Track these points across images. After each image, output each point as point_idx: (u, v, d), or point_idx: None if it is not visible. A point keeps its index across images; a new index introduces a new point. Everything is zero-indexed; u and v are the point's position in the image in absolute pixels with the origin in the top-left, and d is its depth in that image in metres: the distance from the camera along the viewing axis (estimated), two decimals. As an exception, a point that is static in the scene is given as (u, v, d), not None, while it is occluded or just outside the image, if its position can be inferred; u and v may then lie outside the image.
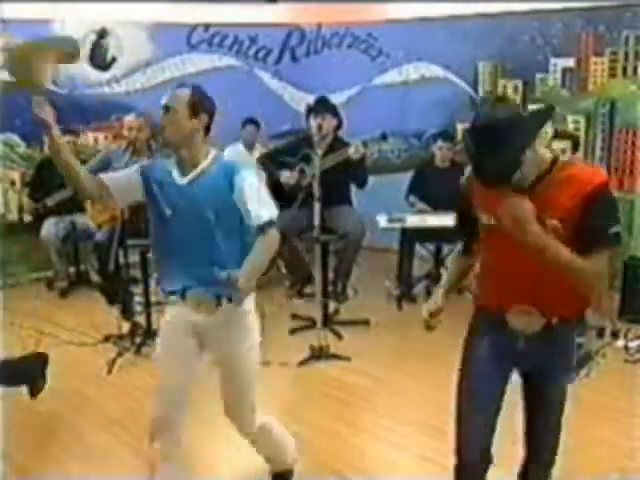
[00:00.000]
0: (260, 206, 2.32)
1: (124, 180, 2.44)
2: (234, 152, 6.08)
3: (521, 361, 2.14)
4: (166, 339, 2.53)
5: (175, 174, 2.39)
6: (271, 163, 4.96)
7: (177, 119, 2.32)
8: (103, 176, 2.44)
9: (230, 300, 2.31)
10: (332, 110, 4.72)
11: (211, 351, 2.52)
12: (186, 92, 2.35)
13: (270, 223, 2.32)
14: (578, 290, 2.01)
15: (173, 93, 2.35)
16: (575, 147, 4.39)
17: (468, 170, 2.07)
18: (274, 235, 2.35)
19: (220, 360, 2.52)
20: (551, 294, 2.01)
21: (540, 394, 2.19)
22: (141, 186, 2.41)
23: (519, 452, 2.33)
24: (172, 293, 2.47)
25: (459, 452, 2.25)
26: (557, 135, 4.50)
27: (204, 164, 2.37)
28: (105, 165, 4.96)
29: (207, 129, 2.38)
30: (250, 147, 6.08)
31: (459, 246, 2.35)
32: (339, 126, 4.76)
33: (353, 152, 4.49)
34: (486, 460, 2.22)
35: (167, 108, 2.33)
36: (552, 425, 2.21)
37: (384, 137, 4.63)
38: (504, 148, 1.85)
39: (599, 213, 1.90)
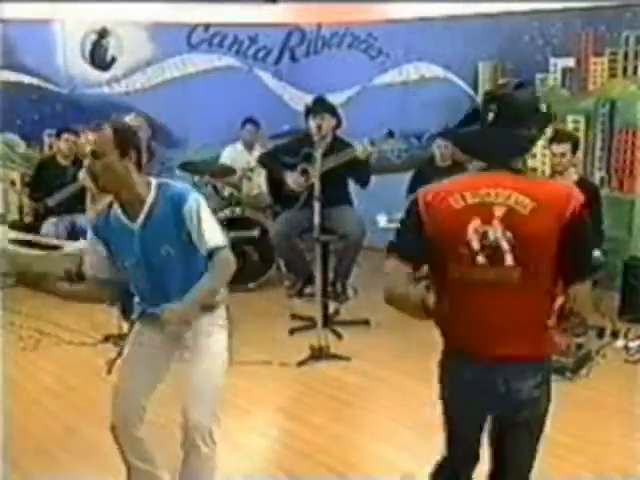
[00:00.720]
0: (208, 233, 2.29)
1: (99, 258, 2.41)
2: (233, 152, 6.09)
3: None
4: (134, 347, 2.52)
5: (125, 220, 2.31)
6: (272, 162, 4.96)
7: (108, 164, 2.23)
8: (89, 273, 2.44)
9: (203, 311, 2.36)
10: (331, 110, 4.72)
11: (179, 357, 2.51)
12: (109, 133, 2.25)
13: (217, 249, 2.30)
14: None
15: (97, 137, 2.26)
16: (575, 148, 4.34)
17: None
18: (224, 259, 2.34)
19: (188, 363, 2.48)
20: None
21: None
22: (103, 248, 2.38)
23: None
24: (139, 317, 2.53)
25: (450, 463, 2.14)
26: (556, 138, 4.45)
27: (149, 200, 2.29)
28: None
29: (139, 164, 2.30)
30: (250, 147, 6.08)
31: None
32: (338, 126, 4.75)
33: (361, 151, 4.50)
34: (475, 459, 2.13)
35: (95, 154, 2.25)
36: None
37: (391, 134, 4.61)
38: (522, 123, 1.74)
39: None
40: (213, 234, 2.31)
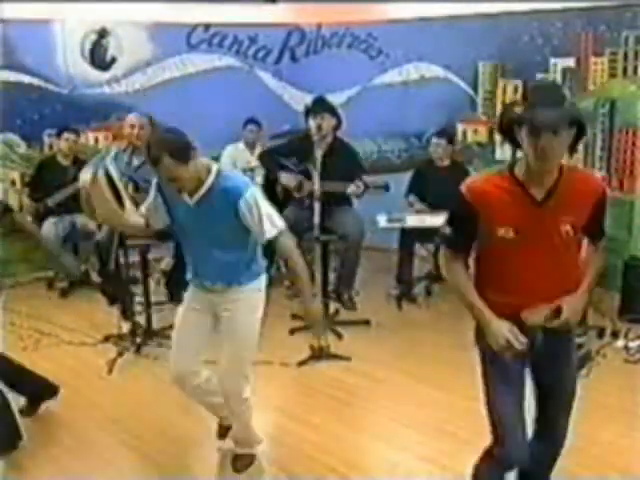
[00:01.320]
0: (267, 223, 2.62)
1: (154, 206, 2.76)
2: (234, 151, 6.09)
3: (538, 353, 2.18)
4: (184, 311, 2.85)
5: (182, 194, 2.60)
6: (269, 161, 4.98)
7: (183, 169, 2.50)
8: (142, 211, 2.80)
9: (239, 283, 2.75)
10: (331, 110, 4.72)
11: (222, 320, 2.81)
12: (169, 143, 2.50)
13: (279, 234, 2.68)
14: (571, 286, 2.17)
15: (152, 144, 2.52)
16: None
17: (470, 177, 2.20)
18: (286, 241, 2.75)
19: (226, 328, 2.80)
20: (560, 289, 2.15)
21: (553, 380, 2.29)
22: (162, 204, 2.72)
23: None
24: (190, 280, 2.84)
25: (507, 453, 2.25)
26: None
27: (208, 183, 2.56)
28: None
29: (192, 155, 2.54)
30: (252, 147, 6.08)
31: (454, 256, 2.24)
32: (338, 126, 4.76)
33: (354, 189, 4.58)
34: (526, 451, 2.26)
35: (156, 161, 2.48)
36: (566, 408, 2.33)
37: (387, 189, 4.62)
38: (564, 100, 2.00)
39: (603, 215, 2.20)
40: (271, 223, 2.63)
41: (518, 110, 2.01)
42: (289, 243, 2.75)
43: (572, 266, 2.20)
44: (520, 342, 2.07)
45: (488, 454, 2.28)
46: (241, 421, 2.91)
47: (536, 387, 2.33)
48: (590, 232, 2.19)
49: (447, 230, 2.23)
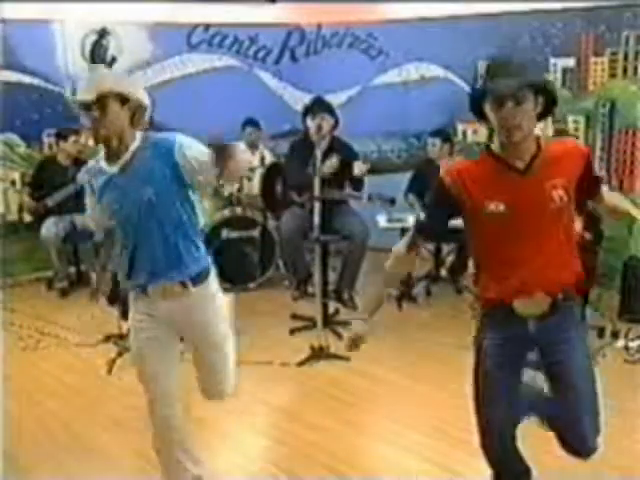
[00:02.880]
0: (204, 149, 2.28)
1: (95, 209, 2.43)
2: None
3: (534, 343, 2.17)
4: (141, 334, 2.46)
5: (105, 166, 2.33)
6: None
7: (111, 112, 2.25)
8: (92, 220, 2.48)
9: (194, 283, 2.38)
10: (329, 110, 4.74)
11: (185, 333, 2.52)
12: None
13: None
14: (578, 264, 2.15)
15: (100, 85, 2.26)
16: None
17: (452, 162, 2.19)
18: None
19: (196, 339, 2.52)
20: (555, 273, 2.09)
21: (564, 367, 2.18)
22: (95, 199, 2.39)
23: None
24: (134, 287, 2.45)
25: (490, 444, 2.27)
26: (558, 133, 4.49)
27: (133, 147, 2.31)
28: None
29: (132, 118, 2.31)
30: (253, 147, 6.09)
31: (409, 239, 2.29)
32: (336, 126, 4.77)
33: (357, 171, 4.61)
34: (514, 447, 2.27)
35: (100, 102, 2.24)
36: (587, 392, 2.19)
37: (393, 202, 4.62)
38: (525, 70, 2.03)
39: (592, 169, 2.18)
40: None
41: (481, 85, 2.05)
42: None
43: (567, 240, 2.12)
44: None
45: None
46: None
47: (548, 379, 2.24)
48: (588, 191, 2.18)
49: (421, 216, 2.26)
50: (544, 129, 5.12)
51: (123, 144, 2.30)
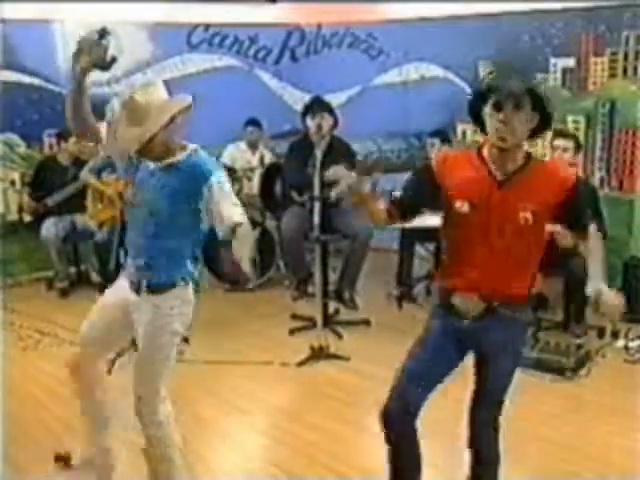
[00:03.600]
0: (227, 211, 2.34)
1: None
2: (235, 151, 6.09)
3: (467, 340, 2.24)
4: (111, 291, 2.66)
5: (150, 164, 2.44)
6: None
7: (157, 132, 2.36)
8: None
9: (148, 288, 2.45)
10: (329, 109, 4.74)
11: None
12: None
13: (237, 225, 2.33)
14: (523, 275, 2.18)
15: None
16: (577, 148, 4.37)
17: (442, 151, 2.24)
18: (247, 230, 2.38)
19: (139, 337, 2.56)
20: (494, 280, 2.14)
21: (485, 375, 2.29)
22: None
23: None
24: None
25: (389, 402, 2.39)
26: (558, 133, 4.47)
27: (179, 157, 2.41)
28: (108, 165, 4.99)
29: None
30: (254, 147, 6.09)
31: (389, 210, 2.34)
32: (335, 125, 4.77)
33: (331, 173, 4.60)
34: (410, 418, 2.35)
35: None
36: (492, 406, 2.31)
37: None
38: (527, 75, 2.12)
39: (579, 206, 2.14)
40: (234, 210, 2.35)
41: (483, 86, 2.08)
42: (249, 231, 2.45)
43: (528, 258, 2.17)
44: None
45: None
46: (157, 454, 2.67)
47: (475, 357, 2.33)
48: (568, 223, 2.18)
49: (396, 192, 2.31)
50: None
51: (171, 149, 2.41)
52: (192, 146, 2.46)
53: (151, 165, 2.45)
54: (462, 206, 2.11)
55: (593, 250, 2.13)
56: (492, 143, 2.07)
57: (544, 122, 2.06)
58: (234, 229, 2.30)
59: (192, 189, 2.35)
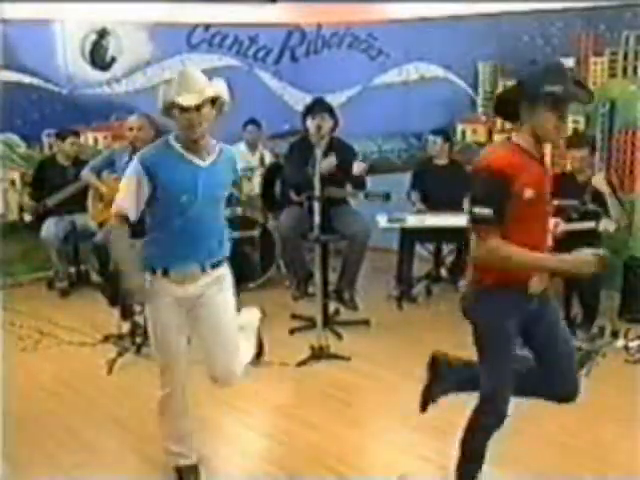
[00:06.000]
0: None
1: (136, 197, 2.60)
2: (236, 151, 6.10)
3: (532, 317, 2.39)
4: (160, 312, 2.69)
5: (194, 159, 2.62)
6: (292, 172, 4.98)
7: (208, 111, 2.60)
8: (128, 210, 2.62)
9: (212, 265, 2.69)
10: (329, 110, 4.74)
11: (199, 311, 2.72)
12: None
13: None
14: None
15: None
16: (593, 150, 4.56)
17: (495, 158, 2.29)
18: None
19: (207, 316, 2.72)
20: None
21: (555, 341, 2.45)
22: (147, 182, 2.56)
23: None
24: (154, 271, 2.66)
25: (497, 408, 2.37)
26: (574, 144, 4.46)
27: (217, 149, 2.70)
28: (108, 164, 4.98)
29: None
30: (253, 147, 6.09)
31: (496, 234, 2.26)
32: (336, 126, 4.77)
33: (356, 170, 4.66)
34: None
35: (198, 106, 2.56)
36: (571, 362, 2.54)
37: (387, 197, 4.62)
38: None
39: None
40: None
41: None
42: None
43: None
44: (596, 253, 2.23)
45: (474, 420, 2.41)
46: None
47: (535, 352, 2.48)
48: None
49: (484, 211, 2.22)
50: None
51: (206, 139, 2.64)
52: (214, 142, 2.72)
53: (192, 159, 2.61)
54: (531, 194, 2.24)
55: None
56: (545, 135, 2.26)
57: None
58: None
59: (230, 178, 2.76)
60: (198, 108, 2.51)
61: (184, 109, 2.49)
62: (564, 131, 2.29)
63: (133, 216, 2.62)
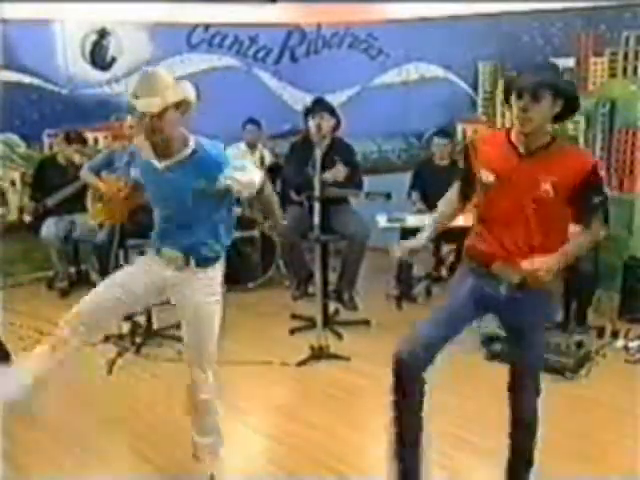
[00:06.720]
0: (252, 174, 2.69)
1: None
2: (235, 152, 6.09)
3: (500, 306, 2.39)
4: (137, 268, 2.78)
5: (153, 161, 2.58)
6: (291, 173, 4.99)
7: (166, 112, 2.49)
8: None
9: (197, 263, 2.64)
10: (330, 110, 4.73)
11: (177, 302, 2.73)
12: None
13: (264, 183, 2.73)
14: (552, 247, 2.28)
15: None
16: None
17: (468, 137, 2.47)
18: (268, 186, 2.81)
19: (185, 310, 2.71)
20: (533, 247, 2.29)
21: (523, 346, 2.44)
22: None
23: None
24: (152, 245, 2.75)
25: (402, 347, 2.51)
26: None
27: (186, 151, 2.55)
28: (107, 164, 4.99)
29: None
30: (253, 147, 6.09)
31: (455, 189, 2.62)
32: (337, 126, 4.77)
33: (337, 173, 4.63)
34: (422, 365, 2.46)
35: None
36: (533, 374, 2.47)
37: (388, 197, 4.63)
38: (553, 70, 2.34)
39: (590, 195, 2.28)
40: (255, 175, 2.70)
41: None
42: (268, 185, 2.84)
43: (553, 231, 2.31)
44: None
45: None
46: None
47: (507, 331, 2.53)
48: (575, 207, 2.29)
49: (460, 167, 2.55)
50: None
51: (170, 143, 2.53)
52: (192, 140, 2.58)
53: (155, 165, 2.58)
54: (488, 177, 2.32)
55: (575, 238, 2.35)
56: (516, 126, 2.28)
57: (570, 107, 2.27)
58: (259, 190, 2.69)
59: (201, 181, 2.54)
60: (160, 114, 2.43)
61: (144, 114, 2.44)
62: (525, 122, 2.22)
63: None
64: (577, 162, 2.27)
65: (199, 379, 2.73)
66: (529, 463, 2.57)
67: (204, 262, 2.67)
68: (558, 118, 2.29)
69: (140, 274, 2.72)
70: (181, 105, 2.52)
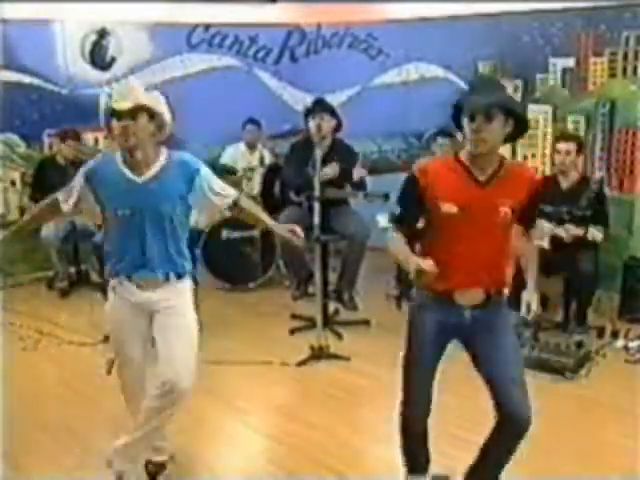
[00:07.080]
0: (226, 190, 2.77)
1: (74, 194, 2.82)
2: (235, 152, 6.10)
3: (466, 329, 2.41)
4: (119, 320, 2.72)
5: (129, 174, 2.59)
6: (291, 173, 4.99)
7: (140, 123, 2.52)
8: (59, 197, 2.96)
9: (177, 275, 2.66)
10: (330, 110, 4.73)
11: (158, 318, 2.69)
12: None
13: (238, 198, 2.81)
14: (507, 264, 2.41)
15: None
16: (579, 149, 4.45)
17: (422, 162, 2.50)
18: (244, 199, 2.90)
19: (166, 324, 2.67)
20: (491, 272, 2.36)
21: (491, 350, 2.41)
22: (89, 192, 2.70)
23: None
24: (117, 275, 2.68)
25: (406, 406, 2.57)
26: (562, 136, 4.56)
27: (160, 162, 2.60)
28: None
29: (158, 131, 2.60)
30: (252, 147, 6.09)
31: (396, 228, 2.42)
32: (338, 127, 4.76)
33: (356, 177, 4.74)
34: (427, 412, 2.55)
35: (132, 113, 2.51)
36: (514, 377, 2.38)
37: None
38: (502, 89, 2.37)
39: (537, 205, 2.45)
40: (230, 190, 2.79)
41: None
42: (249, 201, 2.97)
43: (504, 251, 2.39)
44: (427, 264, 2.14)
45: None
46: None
47: (475, 361, 2.47)
48: (525, 219, 2.38)
49: (396, 210, 2.41)
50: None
51: (145, 156, 2.56)
52: (164, 152, 2.63)
53: (128, 176, 2.59)
54: (450, 208, 2.27)
55: (532, 259, 2.53)
56: (469, 149, 2.26)
57: (520, 127, 2.27)
58: (235, 202, 2.77)
59: (182, 191, 2.61)
60: (134, 117, 2.47)
61: (120, 116, 2.48)
62: (479, 143, 2.19)
63: (64, 208, 2.90)
64: (524, 179, 2.35)
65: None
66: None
67: (182, 274, 2.69)
68: (508, 139, 2.29)
69: (131, 337, 2.71)
70: (155, 117, 2.54)
